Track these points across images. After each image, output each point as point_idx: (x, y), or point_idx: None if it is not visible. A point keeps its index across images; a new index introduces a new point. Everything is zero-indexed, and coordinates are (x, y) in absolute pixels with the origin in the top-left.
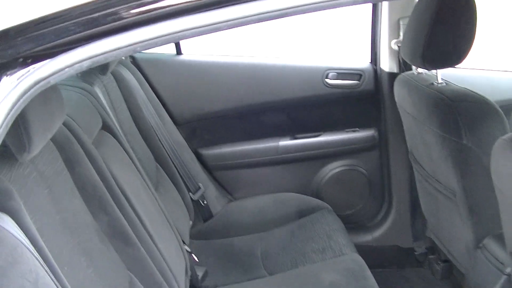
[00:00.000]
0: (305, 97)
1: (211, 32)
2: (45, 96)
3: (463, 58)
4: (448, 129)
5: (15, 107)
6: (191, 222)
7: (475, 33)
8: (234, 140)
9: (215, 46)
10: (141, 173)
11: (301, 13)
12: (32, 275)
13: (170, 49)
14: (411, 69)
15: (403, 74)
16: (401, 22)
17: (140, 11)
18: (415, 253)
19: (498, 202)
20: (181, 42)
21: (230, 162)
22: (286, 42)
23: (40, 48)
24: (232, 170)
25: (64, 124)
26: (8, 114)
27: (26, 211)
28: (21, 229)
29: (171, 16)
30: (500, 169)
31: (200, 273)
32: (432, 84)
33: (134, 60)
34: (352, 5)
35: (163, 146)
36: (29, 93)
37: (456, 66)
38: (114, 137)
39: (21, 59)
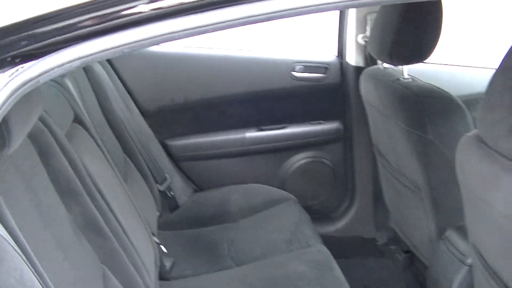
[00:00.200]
0: (272, 89)
1: (197, 35)
2: None
3: (429, 54)
4: (413, 124)
5: (5, 106)
6: (158, 213)
7: (441, 30)
8: (201, 131)
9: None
10: (111, 165)
11: (288, 17)
12: (17, 272)
13: None
14: (376, 64)
15: (369, 68)
16: (368, 18)
17: (128, 13)
18: (377, 243)
19: (460, 195)
20: None
21: (197, 153)
22: (254, 35)
23: (29, 48)
24: (198, 161)
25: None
26: None
27: (6, 207)
28: (3, 225)
29: (158, 18)
30: (464, 165)
31: (168, 264)
32: (399, 79)
33: None
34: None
35: (131, 138)
36: (18, 92)
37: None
38: (86, 130)
39: (9, 59)
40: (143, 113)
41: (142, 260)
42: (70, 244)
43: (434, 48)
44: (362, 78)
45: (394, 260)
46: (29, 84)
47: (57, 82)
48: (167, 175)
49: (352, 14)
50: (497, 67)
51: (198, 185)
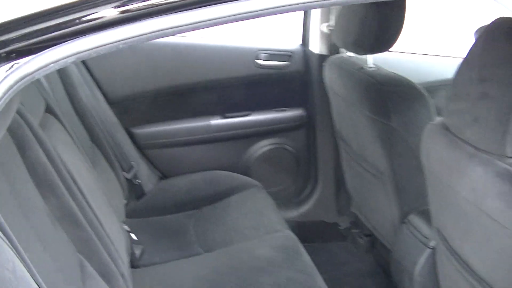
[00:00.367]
0: (237, 77)
1: (189, 31)
2: None
3: (393, 44)
4: (377, 111)
5: (1, 101)
6: (125, 201)
7: (404, 20)
8: (166, 119)
9: None
10: (82, 155)
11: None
12: (10, 264)
13: None
14: (339, 52)
15: (333, 57)
16: (331, 6)
17: (123, 10)
18: (339, 227)
19: (423, 180)
20: None
21: (162, 140)
22: None
23: (25, 43)
24: (163, 149)
25: None
26: None
27: None
28: None
29: (151, 15)
30: (430, 152)
31: (138, 252)
32: (363, 68)
33: None
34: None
35: (98, 126)
36: (14, 87)
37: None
38: (57, 120)
39: (4, 54)
40: (109, 101)
41: (116, 248)
42: (49, 235)
43: (398, 37)
44: (326, 66)
45: (356, 244)
46: (25, 79)
47: None
48: (133, 163)
49: None
50: (462, 60)
51: (164, 173)
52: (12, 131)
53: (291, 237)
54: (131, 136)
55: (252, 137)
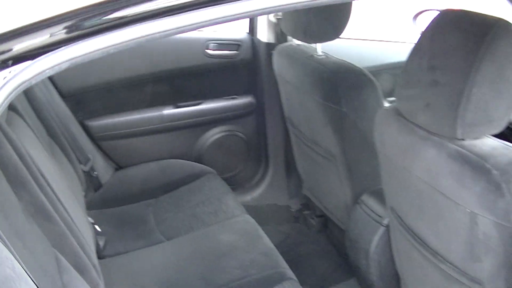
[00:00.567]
0: (188, 67)
1: (174, 34)
2: None
3: (341, 32)
4: (329, 98)
5: (1, 108)
6: (83, 193)
7: (351, 9)
8: (119, 110)
9: None
10: (45, 150)
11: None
12: (9, 262)
13: None
14: (286, 40)
15: (282, 45)
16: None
17: (114, 17)
18: (291, 210)
19: (374, 162)
20: None
21: (116, 132)
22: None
23: (22, 51)
24: (118, 140)
25: None
26: None
27: None
28: None
29: (139, 21)
30: (383, 137)
31: (101, 243)
32: (313, 56)
33: None
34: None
35: (53, 120)
36: (13, 94)
37: None
38: (19, 116)
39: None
40: (62, 94)
41: (87, 241)
42: (25, 232)
43: (346, 26)
44: (275, 54)
45: (308, 225)
46: (23, 85)
47: None
48: (89, 155)
49: None
50: (411, 49)
51: (119, 164)
52: None
53: (250, 221)
54: (85, 129)
55: (204, 125)
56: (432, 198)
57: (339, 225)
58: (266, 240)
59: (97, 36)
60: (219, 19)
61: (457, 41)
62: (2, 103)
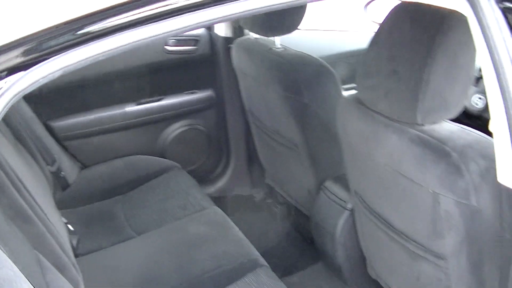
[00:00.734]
0: (147, 64)
1: (158, 39)
2: None
3: (298, 25)
4: (290, 89)
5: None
6: (52, 194)
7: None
8: (82, 110)
9: None
10: (17, 152)
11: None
12: (8, 263)
13: None
14: (243, 34)
15: (240, 39)
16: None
17: (101, 27)
18: (255, 199)
19: (336, 150)
20: None
21: (79, 131)
22: None
23: (16, 62)
24: (82, 139)
25: None
26: None
27: None
28: None
29: (125, 29)
30: (346, 125)
31: (74, 242)
32: (271, 49)
33: None
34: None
35: (18, 122)
36: (10, 103)
37: None
38: None
39: None
40: (24, 96)
41: (64, 240)
42: (8, 236)
43: (302, 18)
44: (234, 48)
45: (272, 213)
46: (18, 95)
47: None
48: (55, 156)
49: None
50: (370, 40)
51: (84, 163)
52: None
53: (219, 212)
54: (49, 130)
55: (166, 121)
56: (395, 181)
57: (303, 212)
58: (236, 230)
59: (87, 44)
60: (201, 24)
61: (413, 33)
62: (2, 110)
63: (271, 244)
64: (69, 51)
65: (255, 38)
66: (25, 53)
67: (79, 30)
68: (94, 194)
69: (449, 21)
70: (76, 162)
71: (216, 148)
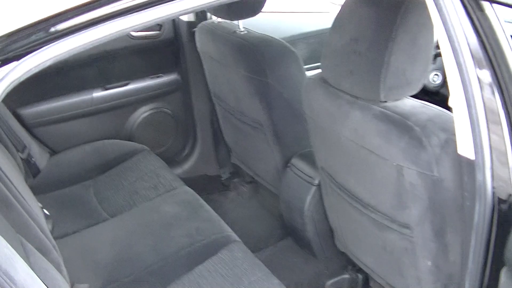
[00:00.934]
0: (113, 50)
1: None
2: None
3: (261, 9)
4: (254, 70)
5: None
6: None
7: None
8: (50, 97)
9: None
10: None
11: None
12: (3, 243)
13: None
14: (206, 19)
15: (203, 23)
16: None
17: (88, 18)
18: (221, 179)
19: (300, 127)
20: None
21: (48, 118)
22: None
23: (9, 53)
24: (50, 126)
25: None
26: None
27: None
28: None
29: (109, 19)
30: (311, 103)
31: (49, 226)
32: (235, 32)
33: None
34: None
35: None
36: (4, 92)
37: None
38: None
39: None
40: None
41: (44, 224)
42: None
43: (265, 2)
44: (198, 32)
45: (239, 192)
46: (12, 84)
47: None
48: (25, 142)
49: None
50: (333, 21)
51: (54, 149)
52: None
53: (190, 192)
54: (18, 117)
55: (133, 105)
56: (361, 156)
57: (270, 189)
58: (207, 207)
59: (76, 34)
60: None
61: (374, 14)
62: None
63: (240, 222)
64: (59, 41)
65: (218, 21)
66: (17, 45)
67: (67, 22)
68: (65, 179)
69: (408, 3)
70: (46, 148)
71: (182, 130)
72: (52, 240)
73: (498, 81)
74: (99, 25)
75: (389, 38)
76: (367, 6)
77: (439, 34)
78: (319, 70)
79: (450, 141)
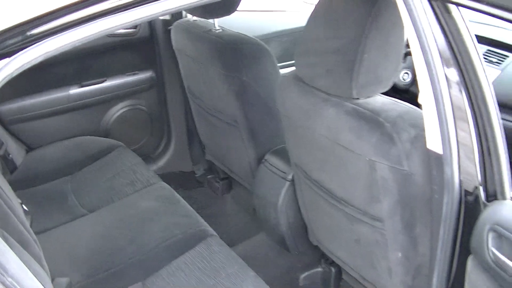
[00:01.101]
0: (89, 47)
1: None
2: None
3: (236, 8)
4: (229, 68)
5: None
6: None
7: None
8: (26, 93)
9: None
10: None
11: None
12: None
13: None
14: (181, 17)
15: (179, 21)
16: None
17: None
18: (196, 175)
19: (274, 124)
20: None
21: (25, 115)
22: None
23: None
24: (27, 122)
25: None
26: None
27: None
28: None
29: (96, 18)
30: (285, 101)
31: (28, 221)
32: (211, 30)
33: None
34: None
35: None
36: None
37: None
38: None
39: None
40: None
41: (24, 218)
42: None
43: (240, 1)
44: (173, 30)
45: (213, 188)
46: (4, 80)
47: None
48: (1, 139)
49: None
50: (307, 20)
51: (30, 145)
52: None
53: (166, 187)
54: None
55: (109, 102)
56: (334, 151)
57: (244, 185)
58: (184, 202)
59: (66, 32)
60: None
61: (347, 13)
62: None
63: (215, 217)
64: (50, 38)
65: (194, 20)
66: (9, 42)
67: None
68: (42, 176)
69: (380, 2)
70: (22, 145)
71: (157, 127)
72: (33, 234)
73: (464, 79)
74: (88, 23)
75: (362, 36)
76: (340, 5)
77: (409, 34)
78: (293, 68)
79: (419, 137)
